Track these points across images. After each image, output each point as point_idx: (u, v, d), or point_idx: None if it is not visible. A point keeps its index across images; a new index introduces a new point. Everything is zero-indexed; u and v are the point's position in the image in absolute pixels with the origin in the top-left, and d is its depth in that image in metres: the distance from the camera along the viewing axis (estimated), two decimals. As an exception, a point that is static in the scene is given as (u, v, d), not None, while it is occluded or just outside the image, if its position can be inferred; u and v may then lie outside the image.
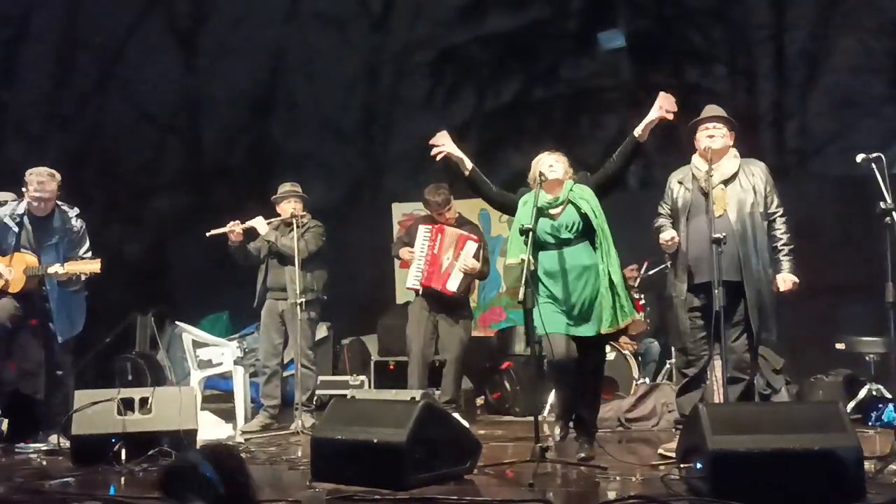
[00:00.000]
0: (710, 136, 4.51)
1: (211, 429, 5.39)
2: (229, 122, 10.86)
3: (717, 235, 4.18)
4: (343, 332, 7.79)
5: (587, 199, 4.36)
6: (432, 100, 10.70)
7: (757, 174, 4.52)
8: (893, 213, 4.05)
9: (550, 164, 4.43)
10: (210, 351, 6.23)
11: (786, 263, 4.47)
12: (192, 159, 11.12)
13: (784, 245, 4.49)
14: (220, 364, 6.22)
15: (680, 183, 4.62)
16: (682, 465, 3.66)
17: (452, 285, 5.69)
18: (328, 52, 9.87)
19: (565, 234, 4.36)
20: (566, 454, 4.45)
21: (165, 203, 10.22)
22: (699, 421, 3.44)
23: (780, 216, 4.52)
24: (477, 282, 6.29)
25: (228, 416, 5.99)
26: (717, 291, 4.11)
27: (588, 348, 4.37)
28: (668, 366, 6.40)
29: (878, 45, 12.53)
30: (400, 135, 10.84)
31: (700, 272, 4.46)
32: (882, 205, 4.10)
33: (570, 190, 4.40)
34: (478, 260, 5.73)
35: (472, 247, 5.71)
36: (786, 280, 4.45)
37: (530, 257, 4.15)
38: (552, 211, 4.39)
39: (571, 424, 4.51)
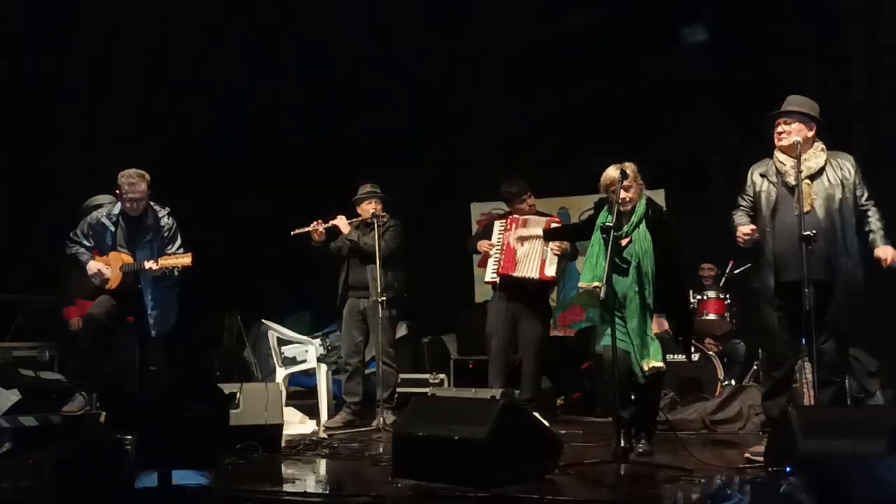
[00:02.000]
0: (779, 134, 4.37)
1: (295, 425, 5.52)
2: (309, 122, 11.06)
3: (808, 233, 4.04)
4: (423, 330, 7.84)
5: (645, 247, 4.40)
6: (511, 98, 10.68)
7: (845, 167, 4.31)
8: None
9: (624, 197, 4.42)
10: (294, 348, 6.38)
11: (881, 241, 4.21)
12: (276, 160, 11.37)
13: (880, 229, 4.24)
14: (304, 361, 6.36)
15: (763, 176, 4.46)
16: (770, 469, 3.57)
17: (550, 271, 5.68)
18: (406, 51, 9.94)
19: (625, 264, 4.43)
20: (648, 456, 4.40)
21: (250, 203, 10.47)
22: (789, 424, 3.35)
23: (873, 206, 4.29)
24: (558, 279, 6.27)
25: (312, 412, 6.11)
26: (807, 290, 3.97)
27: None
28: (754, 367, 6.23)
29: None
30: (478, 133, 10.85)
31: (787, 270, 4.30)
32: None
33: (635, 226, 4.45)
34: (567, 241, 5.72)
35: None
36: (886, 249, 4.17)
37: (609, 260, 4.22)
38: (622, 242, 4.44)
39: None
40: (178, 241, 5.44)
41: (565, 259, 5.81)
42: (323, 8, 10.16)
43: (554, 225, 5.70)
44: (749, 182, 4.56)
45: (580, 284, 4.57)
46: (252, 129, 10.86)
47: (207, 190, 10.14)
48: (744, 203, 4.56)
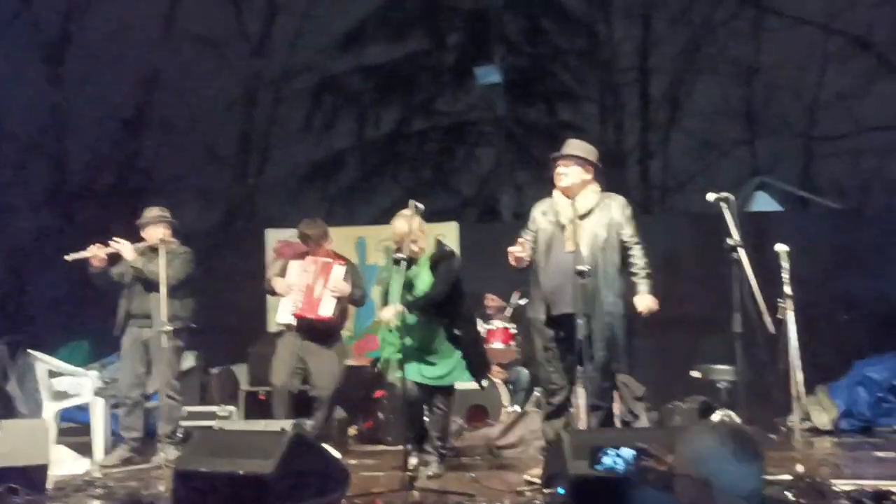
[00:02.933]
0: (559, 174, 4.65)
1: (67, 464, 5.12)
2: (98, 141, 10.43)
3: (581, 268, 4.31)
4: (212, 360, 7.56)
5: (425, 287, 4.81)
6: (311, 127, 10.67)
7: (613, 207, 4.64)
8: (739, 248, 4.32)
9: (413, 250, 4.73)
10: (67, 381, 5.91)
11: (643, 286, 4.59)
12: (57, 179, 10.59)
13: (640, 269, 4.62)
14: (78, 395, 5.90)
15: (544, 214, 4.74)
16: (546, 491, 3.77)
17: (325, 310, 5.63)
18: (205, 73, 9.69)
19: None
20: (437, 483, 4.50)
21: (26, 224, 9.69)
22: (562, 447, 3.56)
23: (636, 244, 4.63)
24: (352, 309, 6.27)
25: (87, 450, 5.69)
26: (580, 322, 4.25)
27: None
28: (536, 394, 6.56)
29: (734, 91, 13.52)
30: (276, 160, 10.75)
31: (557, 304, 4.58)
32: (729, 241, 4.36)
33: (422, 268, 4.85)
34: (348, 282, 5.71)
35: (339, 270, 5.69)
36: (643, 300, 4.58)
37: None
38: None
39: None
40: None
41: (345, 303, 5.82)
42: (114, 22, 9.69)
43: (338, 266, 5.71)
44: (531, 218, 4.82)
45: (379, 316, 4.84)
46: (31, 146, 10.09)
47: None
48: (525, 238, 4.78)
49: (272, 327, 7.82)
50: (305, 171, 10.13)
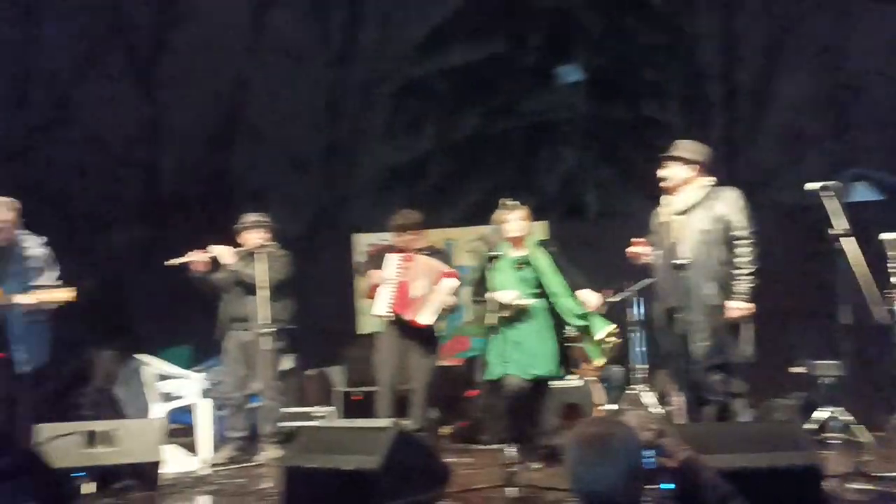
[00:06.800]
0: (661, 177, 4.77)
1: (177, 462, 5.33)
2: (188, 152, 10.80)
3: (677, 261, 4.34)
4: (307, 363, 7.73)
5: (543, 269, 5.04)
6: (394, 131, 10.81)
7: (722, 200, 4.63)
8: (845, 237, 4.20)
9: (511, 231, 5.06)
10: (173, 384, 6.14)
11: (739, 286, 4.52)
12: (150, 190, 11.01)
13: (740, 267, 4.54)
14: (184, 397, 6.13)
15: (656, 215, 4.87)
16: (648, 487, 3.73)
17: (425, 319, 5.71)
18: (290, 83, 9.93)
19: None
20: (536, 480, 4.51)
21: (123, 235, 10.09)
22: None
23: (744, 239, 4.56)
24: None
25: (193, 449, 5.90)
26: (679, 315, 4.25)
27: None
28: (629, 391, 6.49)
29: (821, 81, 13.08)
30: (362, 165, 10.93)
31: (664, 299, 4.69)
32: (832, 230, 4.24)
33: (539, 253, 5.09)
34: (456, 297, 5.79)
35: (451, 283, 5.75)
36: (729, 307, 4.52)
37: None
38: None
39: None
40: (56, 272, 5.15)
41: (447, 313, 5.92)
42: (202, 37, 10.02)
43: (451, 280, 5.78)
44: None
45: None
46: (125, 159, 10.52)
47: (76, 222, 9.69)
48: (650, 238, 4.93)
49: (362, 330, 7.97)
50: (390, 176, 10.29)
